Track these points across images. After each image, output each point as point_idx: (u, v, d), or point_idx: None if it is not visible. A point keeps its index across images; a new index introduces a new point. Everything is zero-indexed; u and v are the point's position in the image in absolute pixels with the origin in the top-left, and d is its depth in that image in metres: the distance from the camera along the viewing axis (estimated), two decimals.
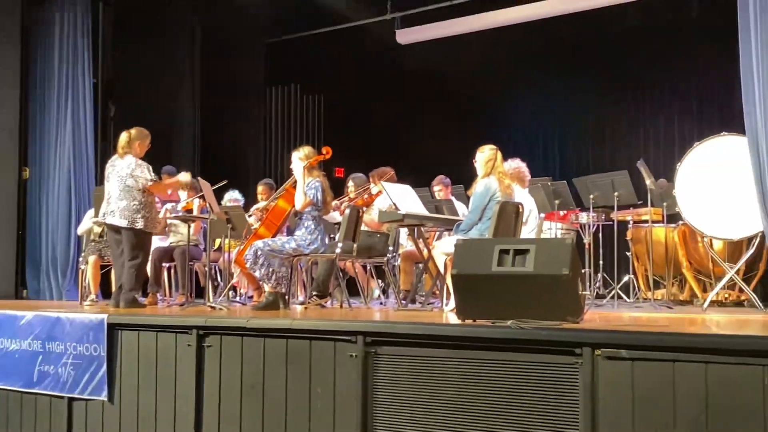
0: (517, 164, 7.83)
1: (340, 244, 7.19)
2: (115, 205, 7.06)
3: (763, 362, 3.75)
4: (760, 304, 6.82)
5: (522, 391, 4.44)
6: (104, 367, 6.19)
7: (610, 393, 4.16)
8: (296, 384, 5.26)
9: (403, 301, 7.46)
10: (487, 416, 4.53)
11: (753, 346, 3.85)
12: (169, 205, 8.67)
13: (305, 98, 13.47)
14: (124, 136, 7.27)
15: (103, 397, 6.22)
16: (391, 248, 8.06)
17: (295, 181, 7.09)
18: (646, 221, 8.07)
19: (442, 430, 4.69)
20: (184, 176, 7.59)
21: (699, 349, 3.92)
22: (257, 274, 6.84)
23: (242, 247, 7.72)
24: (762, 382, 3.74)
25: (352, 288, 8.62)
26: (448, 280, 6.43)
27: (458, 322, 5.05)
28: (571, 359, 4.28)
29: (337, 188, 8.55)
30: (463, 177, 8.19)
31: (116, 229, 7.15)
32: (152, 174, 7.22)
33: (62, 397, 6.47)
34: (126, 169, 7.09)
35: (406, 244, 8.21)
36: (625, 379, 4.11)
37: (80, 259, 9.09)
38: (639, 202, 8.18)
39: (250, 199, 9.69)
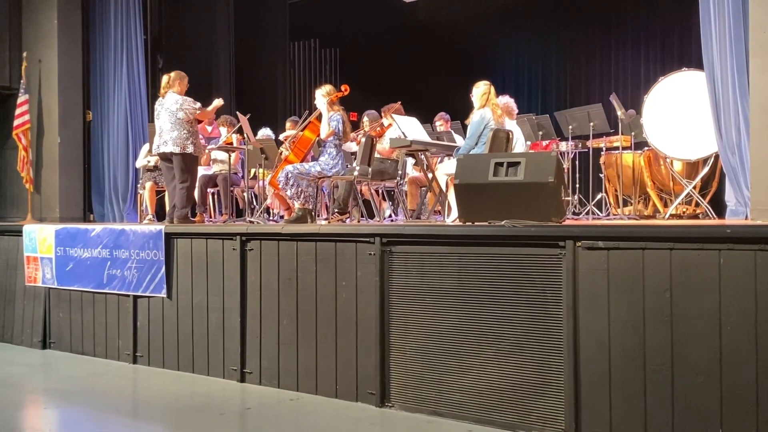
0: (506, 100, 7.72)
1: (357, 168, 7.17)
2: (168, 136, 7.01)
3: (719, 247, 3.77)
4: (714, 215, 6.80)
5: (514, 278, 4.48)
6: (163, 270, 6.27)
7: (589, 277, 4.19)
8: (325, 278, 5.33)
9: (410, 218, 7.46)
10: (485, 300, 4.58)
11: (710, 233, 3.87)
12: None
13: (323, 51, 13.32)
14: (165, 79, 7.25)
15: (163, 294, 6.31)
16: (400, 172, 8.04)
17: (319, 114, 7.02)
18: (617, 148, 8.00)
19: (445, 313, 4.76)
20: (218, 101, 7.52)
21: (665, 238, 3.94)
22: (288, 193, 6.81)
23: (275, 171, 7.70)
24: (718, 262, 3.77)
25: (368, 211, 8.61)
26: (449, 197, 6.43)
27: (459, 224, 5.07)
28: (556, 251, 4.31)
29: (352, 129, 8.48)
30: (459, 114, 8.12)
31: (168, 158, 7.11)
32: (197, 103, 7.18)
33: (128, 295, 6.58)
34: (175, 105, 7.04)
35: (412, 172, 8.21)
36: (602, 265, 4.14)
37: (138, 185, 9.16)
38: (611, 131, 8.14)
39: (280, 134, 9.64)
